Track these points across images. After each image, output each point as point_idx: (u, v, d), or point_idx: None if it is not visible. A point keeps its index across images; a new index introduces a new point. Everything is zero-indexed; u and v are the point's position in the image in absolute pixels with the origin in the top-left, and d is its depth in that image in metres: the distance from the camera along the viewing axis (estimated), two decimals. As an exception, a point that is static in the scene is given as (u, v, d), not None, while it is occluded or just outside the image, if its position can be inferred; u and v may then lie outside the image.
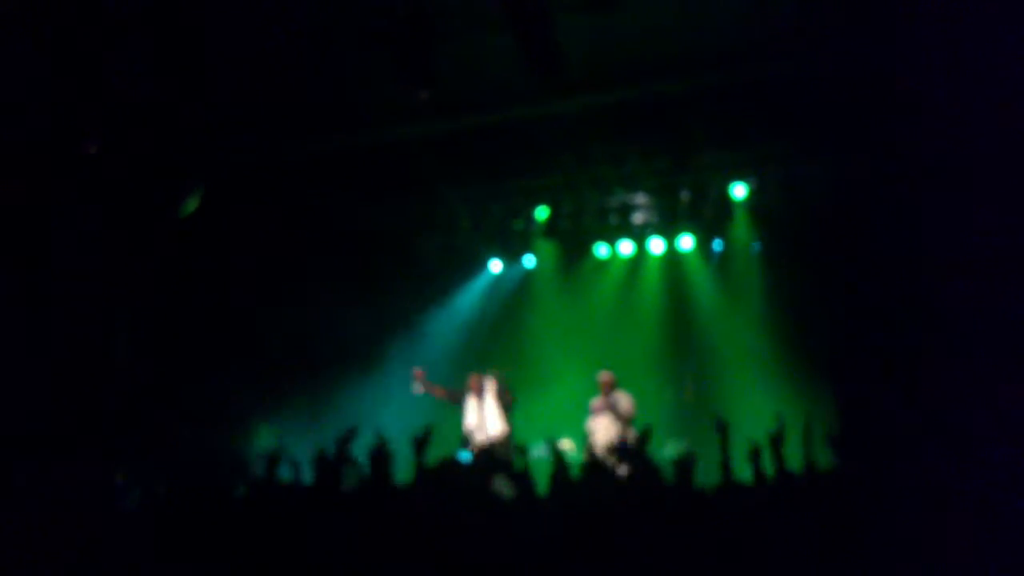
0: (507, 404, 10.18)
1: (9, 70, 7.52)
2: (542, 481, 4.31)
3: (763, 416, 9.30)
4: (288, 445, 10.35)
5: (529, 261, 12.72)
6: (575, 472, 4.42)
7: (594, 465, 4.24)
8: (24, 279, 8.44)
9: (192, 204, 9.74)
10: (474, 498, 3.86)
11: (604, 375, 9.96)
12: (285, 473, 5.12)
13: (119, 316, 9.36)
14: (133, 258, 9.50)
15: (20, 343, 8.29)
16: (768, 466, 4.38)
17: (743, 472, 4.37)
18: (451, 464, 3.80)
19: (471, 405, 10.33)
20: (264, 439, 10.79)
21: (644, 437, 4.58)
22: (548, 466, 4.51)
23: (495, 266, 12.87)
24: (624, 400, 9.73)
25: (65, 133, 8.37)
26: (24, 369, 8.18)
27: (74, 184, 8.68)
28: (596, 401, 9.98)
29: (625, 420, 9.59)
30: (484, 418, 10.13)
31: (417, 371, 10.17)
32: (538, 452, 10.18)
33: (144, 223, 9.49)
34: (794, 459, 4.50)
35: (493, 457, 4.36)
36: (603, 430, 9.67)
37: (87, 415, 8.43)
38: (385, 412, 10.84)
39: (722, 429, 4.40)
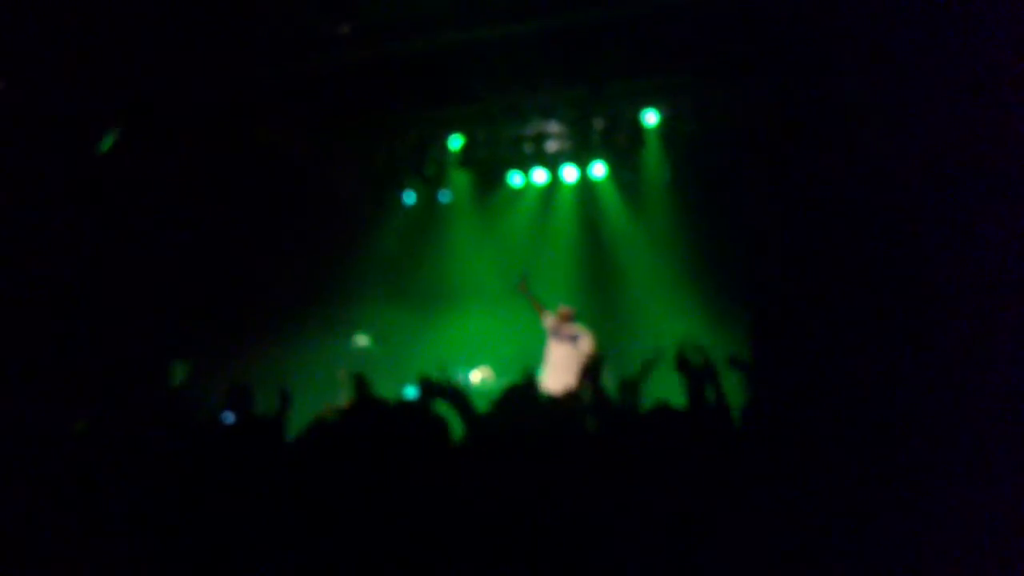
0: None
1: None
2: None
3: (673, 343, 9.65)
4: (198, 383, 10.34)
5: (445, 196, 12.69)
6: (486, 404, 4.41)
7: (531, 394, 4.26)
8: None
9: (110, 140, 9.41)
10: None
11: (564, 307, 10.13)
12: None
13: (40, 254, 9.06)
14: (48, 195, 9.15)
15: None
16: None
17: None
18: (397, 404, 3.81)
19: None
20: (178, 376, 10.66)
21: (597, 365, 4.59)
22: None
23: (408, 196, 12.79)
24: (586, 342, 9.93)
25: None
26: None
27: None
28: (555, 324, 10.11)
29: (585, 355, 9.81)
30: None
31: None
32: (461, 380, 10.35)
33: (61, 160, 9.13)
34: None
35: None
36: (556, 355, 9.93)
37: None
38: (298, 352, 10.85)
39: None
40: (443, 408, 4.01)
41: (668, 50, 9.80)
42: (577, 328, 10.09)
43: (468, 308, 12.02)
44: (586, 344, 9.94)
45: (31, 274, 8.88)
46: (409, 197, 12.75)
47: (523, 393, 3.98)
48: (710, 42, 9.45)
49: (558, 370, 9.68)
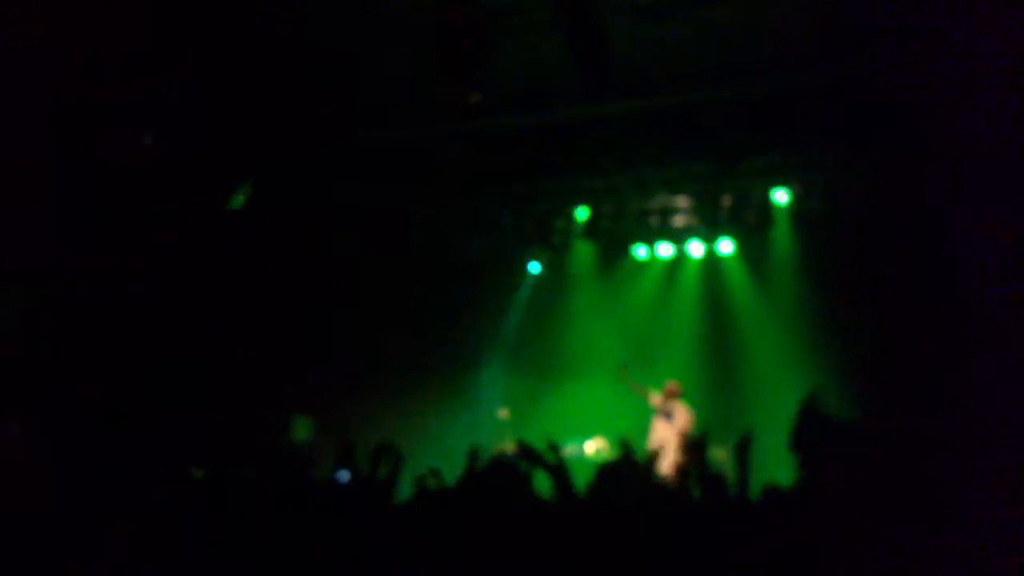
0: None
1: (74, 67, 7.74)
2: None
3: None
4: (320, 441, 10.59)
5: (534, 268, 12.82)
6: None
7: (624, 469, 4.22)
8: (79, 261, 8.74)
9: (241, 197, 9.90)
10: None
11: (670, 383, 10.26)
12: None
13: (167, 303, 9.56)
14: (181, 247, 9.68)
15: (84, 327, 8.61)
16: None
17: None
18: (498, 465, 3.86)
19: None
20: (300, 431, 10.94)
21: (700, 443, 4.38)
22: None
23: (534, 266, 12.91)
24: (682, 416, 9.99)
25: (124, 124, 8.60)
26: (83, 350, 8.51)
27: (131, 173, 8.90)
28: (658, 401, 10.27)
29: (679, 433, 9.77)
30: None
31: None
32: (571, 451, 10.30)
33: (195, 214, 9.68)
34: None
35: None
36: (659, 433, 10.07)
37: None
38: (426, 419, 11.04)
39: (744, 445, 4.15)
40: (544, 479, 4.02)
41: (799, 129, 9.72)
42: (677, 405, 10.08)
43: (587, 378, 12.00)
44: (681, 421, 9.92)
45: (162, 323, 9.35)
46: (535, 267, 12.91)
47: (620, 470, 3.96)
48: (842, 122, 9.32)
49: (657, 447, 9.75)
